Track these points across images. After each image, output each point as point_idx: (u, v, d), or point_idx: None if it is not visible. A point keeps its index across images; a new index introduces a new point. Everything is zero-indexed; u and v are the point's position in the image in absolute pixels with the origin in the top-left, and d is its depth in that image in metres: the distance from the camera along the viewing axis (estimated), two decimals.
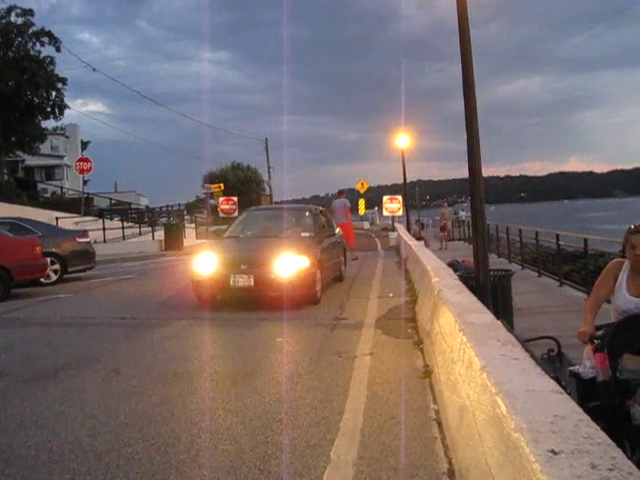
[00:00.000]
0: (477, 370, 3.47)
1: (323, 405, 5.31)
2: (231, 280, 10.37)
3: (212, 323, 9.41)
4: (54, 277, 15.99)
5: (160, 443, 4.54)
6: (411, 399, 5.38)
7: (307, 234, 12.31)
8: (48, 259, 15.17)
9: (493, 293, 9.36)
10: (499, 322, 4.88)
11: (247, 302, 10.51)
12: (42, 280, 15.13)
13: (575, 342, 5.57)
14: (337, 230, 14.98)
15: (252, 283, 10.30)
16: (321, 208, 14.86)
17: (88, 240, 18.22)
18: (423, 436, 4.50)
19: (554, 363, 6.14)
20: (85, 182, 40.05)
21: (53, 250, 15.96)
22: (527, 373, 3.26)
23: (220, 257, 10.89)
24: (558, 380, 4.33)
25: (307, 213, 13.52)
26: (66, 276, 16.45)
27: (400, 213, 33.72)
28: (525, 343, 5.36)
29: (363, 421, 4.86)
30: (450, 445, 4.10)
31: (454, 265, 12.35)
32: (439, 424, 4.67)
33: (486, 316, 5.14)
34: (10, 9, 36.33)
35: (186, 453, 4.33)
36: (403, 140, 33.45)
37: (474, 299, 6.23)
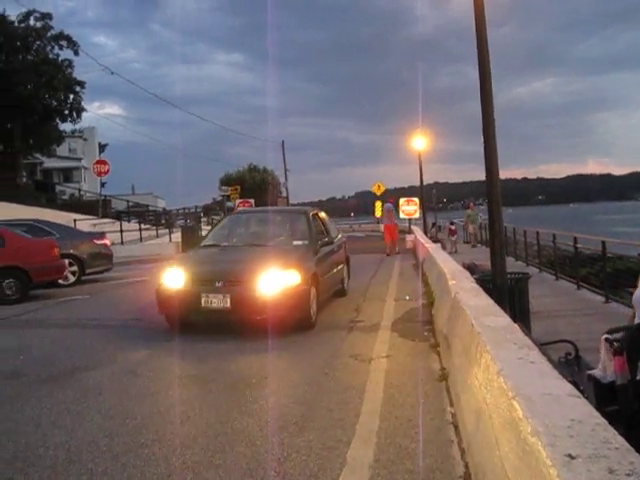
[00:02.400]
0: (494, 373, 3.45)
1: (339, 407, 5.31)
2: (203, 300, 8.66)
3: (230, 324, 9.37)
4: (72, 279, 16.10)
5: (176, 444, 4.56)
6: (428, 402, 5.36)
7: (300, 242, 10.37)
8: (66, 261, 15.30)
9: (510, 296, 9.31)
10: (516, 325, 4.86)
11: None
12: (60, 282, 15.24)
13: (593, 345, 5.57)
14: (339, 236, 12.99)
15: (229, 304, 8.59)
16: (319, 210, 12.75)
17: (106, 242, 18.33)
18: (439, 439, 4.49)
19: (572, 367, 6.13)
20: (102, 184, 40.32)
21: (71, 252, 16.07)
22: (544, 377, 3.24)
23: (191, 271, 9.16)
24: (576, 384, 4.31)
25: (301, 217, 11.45)
26: (84, 278, 16.54)
27: (417, 215, 33.61)
28: (542, 347, 5.35)
29: (379, 423, 4.86)
30: (466, 448, 4.09)
31: (471, 268, 12.31)
32: (455, 427, 4.66)
33: (503, 319, 5.11)
34: (29, 13, 36.65)
35: (202, 454, 4.35)
36: (420, 142, 33.38)
37: (491, 302, 6.20)
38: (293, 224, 11.40)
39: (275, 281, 8.68)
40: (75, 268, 16.28)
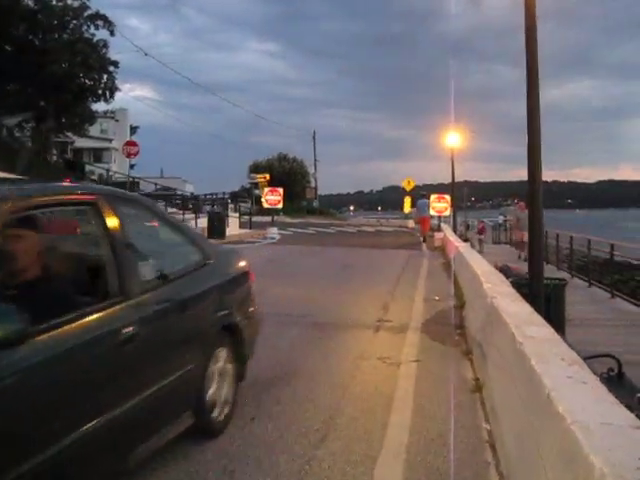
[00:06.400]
0: (542, 394, 3.09)
1: (365, 416, 4.99)
2: None
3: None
4: None
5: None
6: (461, 415, 5.01)
7: None
8: None
9: (546, 303, 8.94)
10: (559, 337, 4.50)
11: None
12: None
13: (633, 359, 5.21)
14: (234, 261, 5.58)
15: None
16: (126, 196, 5.06)
17: None
18: (475, 460, 4.15)
19: (613, 383, 5.74)
20: (132, 166, 40.34)
21: None
22: (599, 401, 2.89)
23: None
24: (629, 407, 3.95)
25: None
26: None
27: (447, 213, 32.68)
28: (586, 361, 4.98)
29: (409, 437, 4.52)
30: (506, 475, 3.72)
31: (504, 270, 11.89)
32: (492, 447, 4.29)
33: (546, 330, 4.74)
34: None
35: (216, 462, 4.07)
36: (453, 139, 32.87)
37: (531, 309, 5.83)
38: None
39: None
40: None
